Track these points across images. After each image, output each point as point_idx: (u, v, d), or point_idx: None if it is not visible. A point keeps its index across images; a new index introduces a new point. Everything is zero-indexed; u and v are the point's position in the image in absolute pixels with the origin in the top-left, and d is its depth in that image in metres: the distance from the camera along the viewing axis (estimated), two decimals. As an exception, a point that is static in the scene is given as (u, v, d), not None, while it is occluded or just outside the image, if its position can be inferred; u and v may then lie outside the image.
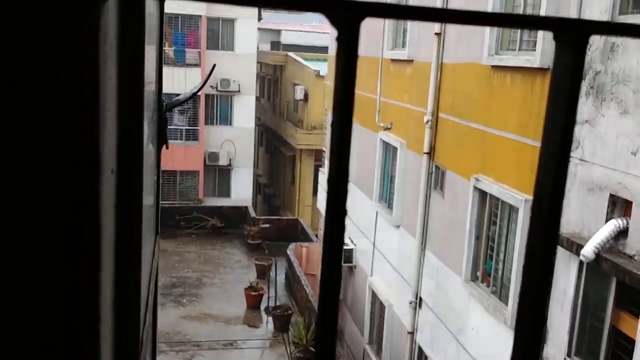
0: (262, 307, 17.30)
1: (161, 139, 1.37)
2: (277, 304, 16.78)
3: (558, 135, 0.47)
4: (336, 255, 0.46)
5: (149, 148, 1.19)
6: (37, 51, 0.37)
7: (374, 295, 12.67)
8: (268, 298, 17.08)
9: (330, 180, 0.44)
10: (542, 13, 7.01)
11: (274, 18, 41.27)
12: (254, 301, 17.28)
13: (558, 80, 0.47)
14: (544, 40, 6.94)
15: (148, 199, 1.12)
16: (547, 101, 0.48)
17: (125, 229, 0.60)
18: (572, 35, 0.47)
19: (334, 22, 0.43)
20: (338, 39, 0.44)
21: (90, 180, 0.42)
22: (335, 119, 0.46)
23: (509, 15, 0.46)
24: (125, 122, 0.60)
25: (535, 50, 7.22)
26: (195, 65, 24.66)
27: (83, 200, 0.41)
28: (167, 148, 1.45)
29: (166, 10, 23.76)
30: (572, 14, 6.47)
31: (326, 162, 16.83)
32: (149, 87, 1.24)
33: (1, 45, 0.38)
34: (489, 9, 8.17)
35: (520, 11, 7.80)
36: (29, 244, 0.42)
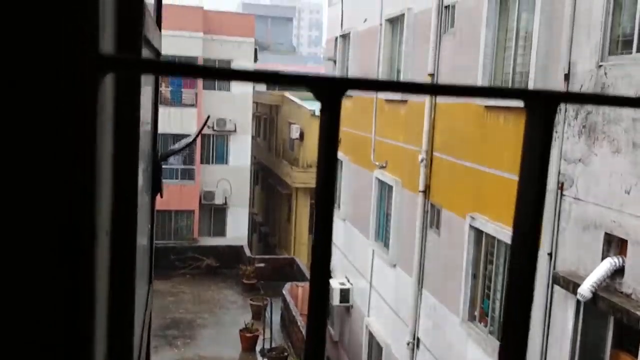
0: (258, 349, 17.01)
1: (155, 188, 1.39)
2: (273, 345, 16.51)
3: (530, 200, 0.49)
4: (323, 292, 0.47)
5: (143, 198, 1.21)
6: (36, 124, 0.39)
7: (371, 336, 12.50)
8: (263, 339, 16.81)
9: (314, 247, 0.46)
10: (533, 55, 7.16)
11: (269, 59, 41.95)
12: (249, 343, 17.00)
13: (529, 147, 0.50)
14: (536, 80, 7.07)
15: (142, 249, 1.13)
16: (520, 166, 0.51)
17: (118, 291, 0.62)
18: (542, 105, 0.50)
19: (317, 96, 0.46)
20: (321, 110, 0.47)
21: (86, 243, 0.43)
22: (318, 181, 0.48)
23: (482, 88, 0.49)
24: (120, 187, 0.62)
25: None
26: (192, 105, 24.91)
27: (79, 265, 0.43)
28: (161, 197, 1.47)
29: (163, 51, 24.18)
30: (563, 56, 6.62)
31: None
32: (144, 137, 1.27)
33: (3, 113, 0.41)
34: (480, 54, 8.34)
35: (511, 54, 7.97)
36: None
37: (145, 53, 0.95)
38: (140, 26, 0.69)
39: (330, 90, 0.45)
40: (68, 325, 0.43)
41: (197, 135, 2.59)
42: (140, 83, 0.69)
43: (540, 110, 0.50)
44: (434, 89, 0.46)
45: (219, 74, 0.46)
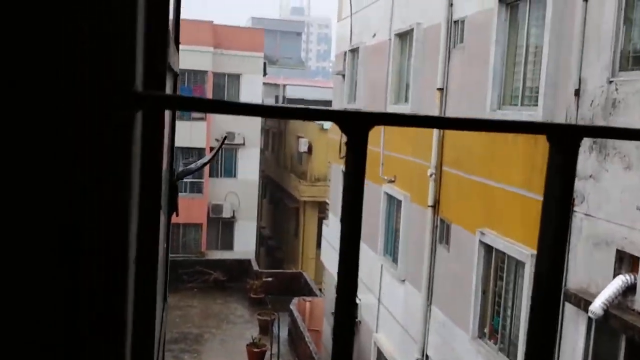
0: (265, 363, 16.91)
1: (171, 208, 1.40)
2: (281, 360, 16.41)
3: (551, 235, 0.49)
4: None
5: (161, 217, 1.22)
6: (76, 163, 0.41)
7: (379, 352, 12.40)
8: (271, 355, 16.72)
9: (338, 291, 0.46)
10: (543, 70, 7.16)
11: (279, 73, 42.20)
12: (256, 358, 16.90)
13: (551, 180, 0.50)
14: (546, 96, 7.06)
15: (160, 268, 1.14)
16: (543, 199, 0.51)
17: (141, 315, 0.63)
18: (565, 139, 0.50)
19: (344, 129, 0.47)
20: (347, 144, 0.48)
21: (117, 271, 0.44)
22: (344, 217, 0.49)
23: (505, 121, 0.49)
24: (145, 218, 0.63)
25: (537, 105, 7.34)
26: (201, 119, 25.05)
27: (111, 289, 0.44)
28: (177, 215, 1.48)
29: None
30: (573, 72, 6.61)
31: (330, 216, 16.82)
32: (164, 159, 1.29)
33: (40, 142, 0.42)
34: (490, 69, 8.35)
35: (521, 70, 7.97)
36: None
37: (168, 79, 0.96)
38: (165, 56, 0.71)
39: (357, 125, 0.46)
40: (68, 325, 0.44)
41: (214, 155, 2.61)
42: (164, 117, 0.71)
43: (563, 144, 0.50)
44: (457, 123, 0.47)
45: (246, 109, 0.47)
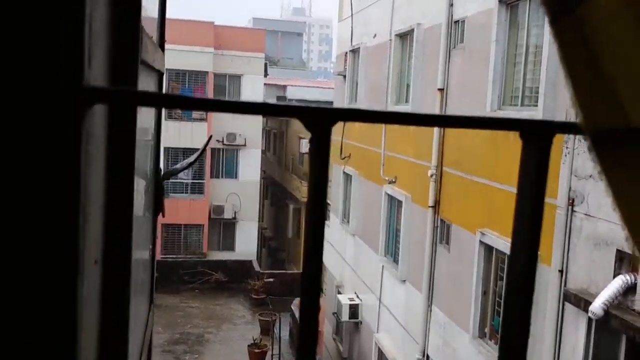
0: (266, 364, 16.91)
1: (157, 208, 1.39)
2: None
3: (526, 229, 0.48)
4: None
5: (145, 217, 1.21)
6: (19, 158, 0.39)
7: (380, 353, 12.39)
8: (272, 355, 16.72)
9: (303, 276, 0.45)
10: (543, 70, 7.14)
11: (280, 74, 42.24)
12: (257, 359, 16.91)
13: (525, 177, 0.49)
14: (546, 96, 7.05)
15: (140, 271, 1.13)
16: (516, 195, 0.50)
17: (111, 322, 0.61)
18: (537, 135, 0.49)
19: (307, 126, 0.46)
20: (311, 140, 0.47)
21: (68, 275, 0.43)
22: (309, 215, 0.47)
23: (476, 117, 0.48)
24: (114, 210, 0.62)
25: (537, 105, 7.32)
26: (202, 120, 25.06)
27: (60, 295, 0.42)
28: (163, 216, 1.47)
29: (174, 66, 24.28)
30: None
31: (331, 217, 16.82)
32: (146, 157, 1.28)
33: None
34: (490, 69, 8.34)
35: (521, 69, 7.95)
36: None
37: (145, 76, 0.95)
38: (136, 52, 0.70)
39: (320, 122, 0.45)
40: (68, 325, 0.43)
41: (199, 155, 2.60)
42: (136, 113, 0.69)
43: (536, 141, 0.49)
44: (428, 120, 0.46)
45: (209, 105, 0.45)
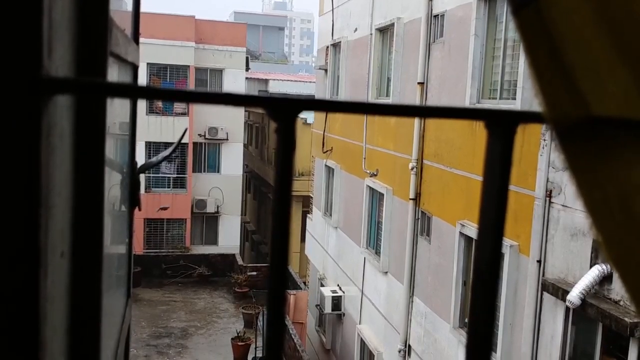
0: (250, 357, 16.93)
1: (133, 202, 1.38)
2: (265, 354, 16.42)
3: (492, 216, 0.49)
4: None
5: (120, 210, 1.20)
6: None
7: (362, 343, 12.47)
8: (255, 348, 16.74)
9: (271, 267, 0.45)
10: (521, 63, 7.21)
11: (262, 68, 42.05)
12: (241, 352, 16.91)
13: (490, 166, 0.50)
14: (524, 89, 7.12)
15: (115, 264, 1.12)
16: (482, 184, 0.51)
17: (81, 314, 0.61)
18: (502, 125, 0.50)
19: (272, 116, 0.46)
20: (276, 130, 0.47)
21: (28, 268, 0.42)
22: (275, 203, 0.48)
23: (443, 107, 0.49)
24: (83, 201, 0.61)
25: (515, 99, 7.40)
26: (183, 114, 24.87)
27: (23, 291, 0.42)
28: (139, 210, 1.46)
29: (155, 60, 24.06)
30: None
31: (314, 210, 16.84)
32: (121, 149, 1.27)
33: None
34: (469, 63, 8.40)
35: (499, 63, 8.02)
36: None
37: (117, 69, 0.94)
38: (104, 43, 0.69)
39: (284, 111, 0.45)
40: (13, 348, 0.43)
41: (175, 148, 2.59)
42: (105, 105, 0.68)
43: (500, 130, 0.50)
44: (391, 110, 0.46)
45: (172, 95, 0.45)
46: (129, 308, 1.35)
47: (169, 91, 0.41)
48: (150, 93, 0.42)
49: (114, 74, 0.88)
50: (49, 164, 0.43)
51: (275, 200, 0.46)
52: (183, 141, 24.06)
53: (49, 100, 0.43)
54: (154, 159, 2.49)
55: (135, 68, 1.36)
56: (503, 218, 0.50)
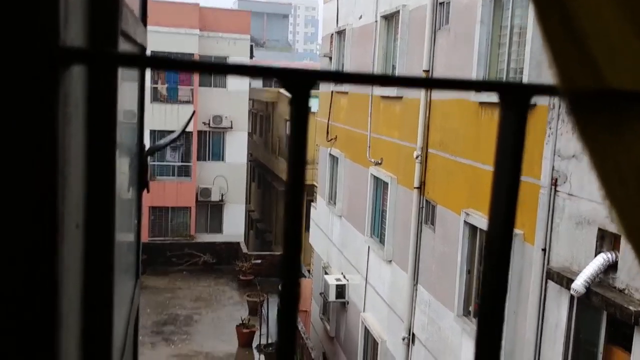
0: (254, 344, 17.04)
1: (141, 183, 1.38)
2: (270, 341, 16.54)
3: (504, 193, 0.49)
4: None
5: (127, 193, 1.20)
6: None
7: (366, 331, 12.53)
8: (260, 335, 16.84)
9: (284, 236, 0.45)
10: (527, 51, 7.16)
11: (266, 56, 41.91)
12: (245, 339, 17.02)
13: (503, 140, 0.50)
14: (530, 76, 7.08)
15: (125, 244, 1.13)
16: (495, 158, 0.51)
17: (94, 287, 0.61)
18: (515, 97, 0.49)
19: (287, 87, 0.46)
20: (291, 102, 0.47)
21: (47, 236, 0.43)
22: (288, 178, 0.48)
23: (456, 80, 0.48)
24: (95, 177, 0.62)
25: (521, 86, 7.35)
26: (188, 102, 24.86)
27: (39, 256, 0.43)
28: (147, 192, 1.47)
29: (159, 48, 24.04)
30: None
31: (318, 199, 16.85)
32: (130, 132, 1.27)
33: None
34: (475, 50, 8.35)
35: (505, 51, 7.97)
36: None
37: (126, 48, 0.94)
38: (115, 20, 0.69)
39: (299, 83, 0.45)
40: (30, 319, 0.43)
41: (182, 130, 2.59)
42: (116, 77, 0.69)
43: (514, 103, 0.49)
44: (407, 81, 0.46)
45: (187, 65, 0.45)
46: (137, 289, 1.36)
47: (183, 62, 0.41)
48: (163, 63, 0.42)
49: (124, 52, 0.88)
50: (65, 133, 0.43)
51: (289, 172, 0.46)
52: (187, 130, 24.06)
53: (65, 70, 0.43)
54: (162, 141, 2.50)
55: (143, 50, 1.36)
56: (516, 192, 0.50)
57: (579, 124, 0.48)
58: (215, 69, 0.44)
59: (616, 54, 0.45)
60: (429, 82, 0.49)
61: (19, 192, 0.41)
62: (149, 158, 1.53)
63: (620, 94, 0.49)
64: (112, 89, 0.65)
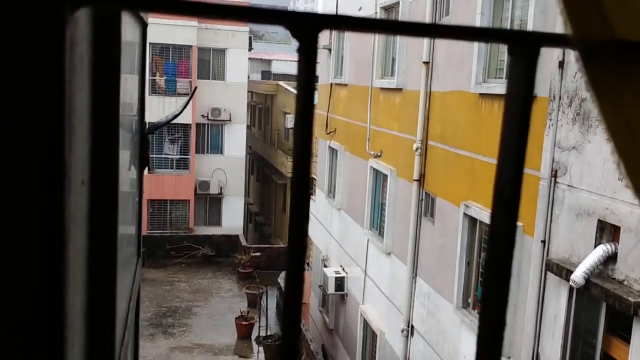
0: (253, 336, 17.08)
1: (143, 162, 1.38)
2: (268, 333, 16.58)
3: (513, 146, 0.48)
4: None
5: (131, 170, 1.20)
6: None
7: (365, 324, 12.56)
8: (259, 327, 16.88)
9: (292, 186, 0.45)
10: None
11: (264, 48, 41.79)
12: (244, 331, 17.07)
13: (512, 90, 0.49)
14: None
15: (128, 219, 1.12)
16: (504, 110, 0.50)
17: (99, 241, 0.61)
18: (525, 47, 0.49)
19: (293, 33, 0.45)
20: (299, 49, 0.46)
21: (54, 190, 0.42)
22: (296, 129, 0.47)
23: (464, 27, 0.48)
24: (100, 133, 0.61)
25: (521, 78, 7.34)
26: (186, 94, 24.79)
27: (47, 209, 0.42)
28: (149, 171, 1.46)
29: (157, 40, 23.94)
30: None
31: (317, 192, 16.85)
32: (131, 109, 1.26)
33: None
34: (475, 52, 8.32)
35: (505, 47, 7.94)
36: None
37: (130, 25, 0.93)
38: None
39: (307, 27, 0.44)
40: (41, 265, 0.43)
41: (183, 108, 2.59)
42: (119, 28, 0.68)
43: (523, 51, 0.49)
44: (415, 28, 0.46)
45: (191, 8, 0.44)
46: (139, 267, 1.36)
47: (185, 3, 0.40)
48: (172, 6, 0.41)
49: (127, 29, 0.87)
50: (71, 82, 0.42)
51: (296, 125, 0.46)
52: (185, 122, 24.02)
53: (72, 14, 0.42)
54: (163, 119, 2.49)
55: (144, 26, 1.35)
56: (525, 143, 0.49)
57: (589, 75, 0.48)
58: (221, 13, 0.43)
59: (628, 4, 0.44)
60: (435, 29, 0.48)
61: (26, 137, 0.40)
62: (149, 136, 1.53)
63: (633, 45, 0.48)
64: (117, 34, 0.64)
